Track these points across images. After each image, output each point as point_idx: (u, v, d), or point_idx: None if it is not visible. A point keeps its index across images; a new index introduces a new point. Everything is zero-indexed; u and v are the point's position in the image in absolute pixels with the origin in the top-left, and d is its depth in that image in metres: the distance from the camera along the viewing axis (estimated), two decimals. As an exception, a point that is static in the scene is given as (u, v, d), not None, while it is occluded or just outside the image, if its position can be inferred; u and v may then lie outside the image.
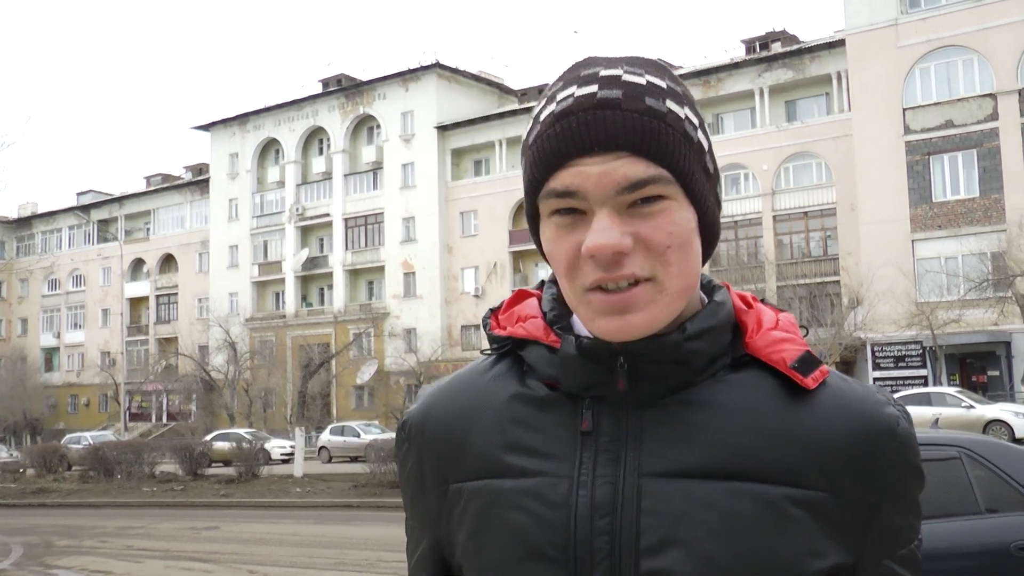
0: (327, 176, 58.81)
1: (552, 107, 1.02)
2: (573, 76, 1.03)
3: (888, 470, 1.04)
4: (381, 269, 55.82)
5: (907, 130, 38.05)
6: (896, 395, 27.66)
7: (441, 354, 47.51)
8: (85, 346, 69.64)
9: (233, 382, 49.09)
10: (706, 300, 1.10)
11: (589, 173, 0.98)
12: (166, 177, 71.48)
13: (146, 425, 60.62)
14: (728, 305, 1.09)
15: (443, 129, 53.74)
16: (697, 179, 1.03)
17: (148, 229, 68.91)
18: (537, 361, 1.09)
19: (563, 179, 1.00)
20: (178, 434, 43.37)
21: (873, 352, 37.92)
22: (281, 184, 60.62)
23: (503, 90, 57.76)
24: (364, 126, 57.90)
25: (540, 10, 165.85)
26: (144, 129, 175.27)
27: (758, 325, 1.09)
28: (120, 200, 70.77)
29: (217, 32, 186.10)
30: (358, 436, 37.29)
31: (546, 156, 1.01)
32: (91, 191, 75.10)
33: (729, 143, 45.08)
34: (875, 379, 37.63)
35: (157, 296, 67.19)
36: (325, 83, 59.67)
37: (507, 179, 50.76)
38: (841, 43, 41.24)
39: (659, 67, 1.05)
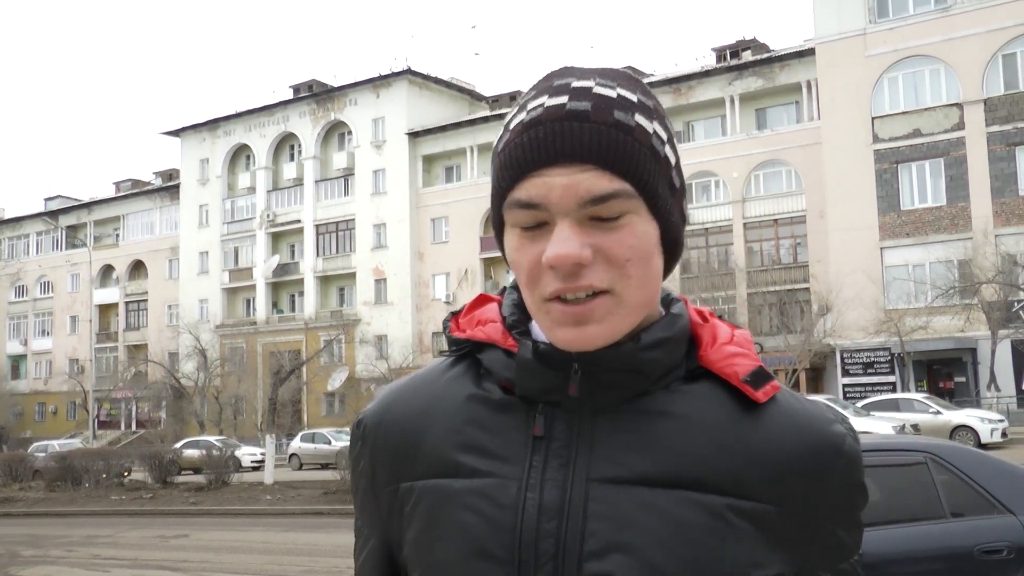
0: (298, 182, 58.59)
1: (522, 116, 1.03)
2: (546, 86, 1.04)
3: (835, 487, 1.06)
4: (352, 276, 55.67)
5: (875, 138, 38.45)
6: (864, 401, 27.99)
7: (412, 361, 47.42)
8: (53, 353, 68.91)
9: (203, 389, 48.76)
10: (664, 313, 1.10)
11: (553, 184, 0.99)
12: (136, 183, 70.95)
13: (115, 433, 60.09)
14: (684, 318, 1.10)
15: (414, 135, 53.72)
16: (661, 194, 1.04)
17: (117, 235, 68.34)
18: (494, 364, 1.10)
19: (527, 189, 1.01)
20: (147, 442, 42.99)
21: (842, 358, 38.24)
22: (252, 190, 60.34)
23: (474, 96, 57.82)
24: (335, 132, 57.77)
25: (511, 17, 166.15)
26: (113, 134, 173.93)
27: (713, 339, 1.10)
28: (89, 206, 70.15)
29: (188, 37, 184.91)
30: (329, 443, 37.15)
31: (513, 164, 1.02)
32: (59, 196, 74.37)
33: (699, 151, 45.33)
34: (844, 385, 37.98)
35: (126, 303, 66.64)
36: (296, 89, 59.48)
37: (478, 185, 50.78)
38: (811, 52, 41.62)
39: (632, 80, 1.06)
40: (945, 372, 37.59)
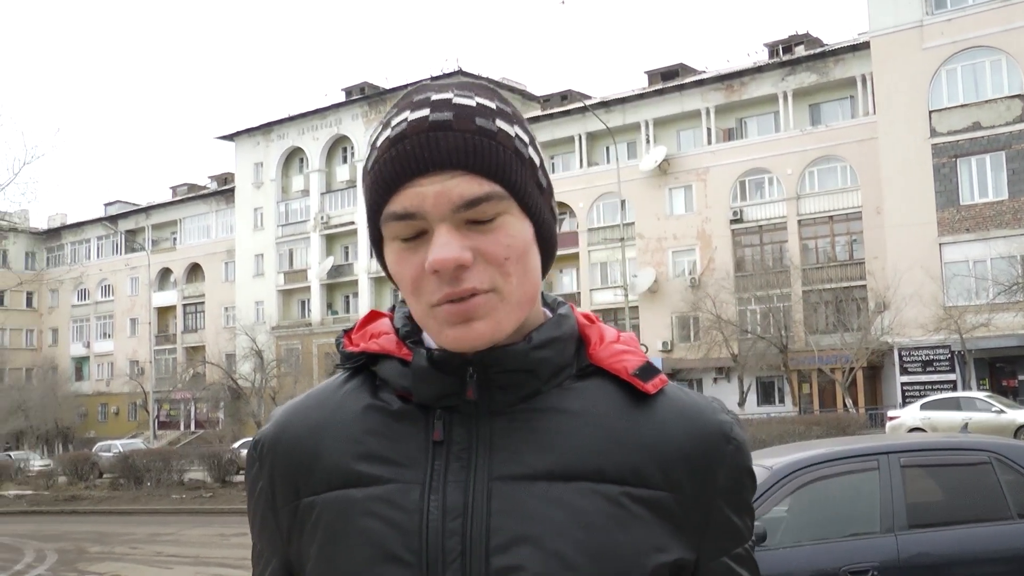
0: (351, 184, 59.03)
1: (387, 132, 1.06)
2: (407, 102, 1.08)
3: (725, 471, 1.11)
4: (406, 277, 55.93)
5: (933, 132, 37.76)
6: (924, 400, 27.54)
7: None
8: (114, 355, 70.18)
9: (260, 390, 49.32)
10: (550, 315, 1.14)
11: (426, 193, 1.02)
12: (192, 187, 72.01)
13: (175, 433, 61.00)
14: (571, 318, 1.14)
15: (467, 136, 53.77)
16: (531, 193, 1.07)
17: (175, 239, 69.45)
18: (390, 374, 1.12)
19: (402, 201, 1.04)
20: (206, 442, 43.63)
21: (900, 357, 37.62)
22: (306, 193, 60.93)
23: (525, 96, 57.81)
24: (388, 134, 58.06)
25: (562, 15, 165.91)
26: (169, 139, 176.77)
27: (601, 338, 1.14)
28: (147, 210, 71.38)
29: (241, 42, 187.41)
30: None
31: (384, 179, 1.05)
32: (118, 202, 75.71)
33: (753, 147, 44.94)
34: (903, 384, 37.38)
35: (184, 305, 67.66)
36: (348, 91, 59.92)
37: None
38: (865, 45, 41.01)
39: (488, 89, 1.10)
40: (1008, 370, 36.79)
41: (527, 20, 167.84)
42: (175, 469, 30.26)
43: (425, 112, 1.04)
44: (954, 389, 33.53)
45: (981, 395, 27.31)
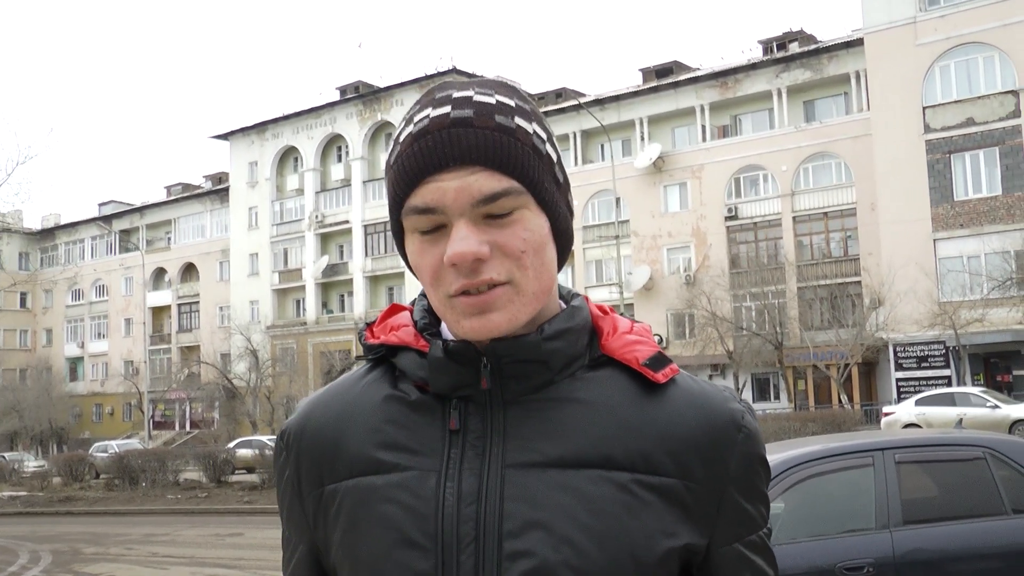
0: (346, 183, 59.01)
1: (410, 128, 1.09)
2: (429, 99, 1.11)
3: (736, 459, 1.13)
4: (401, 275, 55.93)
5: (927, 129, 37.83)
6: (919, 396, 27.58)
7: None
8: (109, 355, 70.11)
9: (255, 389, 49.30)
10: (564, 307, 1.17)
11: (447, 188, 1.06)
12: (186, 186, 71.93)
13: (170, 433, 60.96)
14: (585, 310, 1.17)
15: (461, 134, 53.78)
16: (548, 188, 1.11)
17: (169, 238, 69.36)
18: (408, 366, 1.16)
19: (423, 195, 1.07)
20: (201, 442, 43.60)
21: (895, 353, 37.69)
22: (300, 192, 60.88)
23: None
24: (382, 132, 58.09)
25: (556, 13, 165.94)
26: (163, 139, 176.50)
27: (614, 329, 1.17)
28: (141, 210, 71.29)
29: (235, 41, 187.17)
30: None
31: (406, 174, 1.08)
32: (112, 201, 75.62)
33: (747, 144, 44.99)
34: (897, 379, 37.46)
35: (179, 305, 67.59)
36: (343, 90, 59.88)
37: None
38: (859, 42, 41.07)
39: (508, 87, 1.13)
40: (1003, 366, 36.88)
41: (522, 18, 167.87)
42: (170, 469, 30.22)
43: (446, 109, 1.08)
44: (949, 385, 33.59)
45: (976, 391, 27.35)
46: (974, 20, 37.19)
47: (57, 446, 59.26)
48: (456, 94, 1.09)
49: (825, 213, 43.04)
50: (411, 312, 1.22)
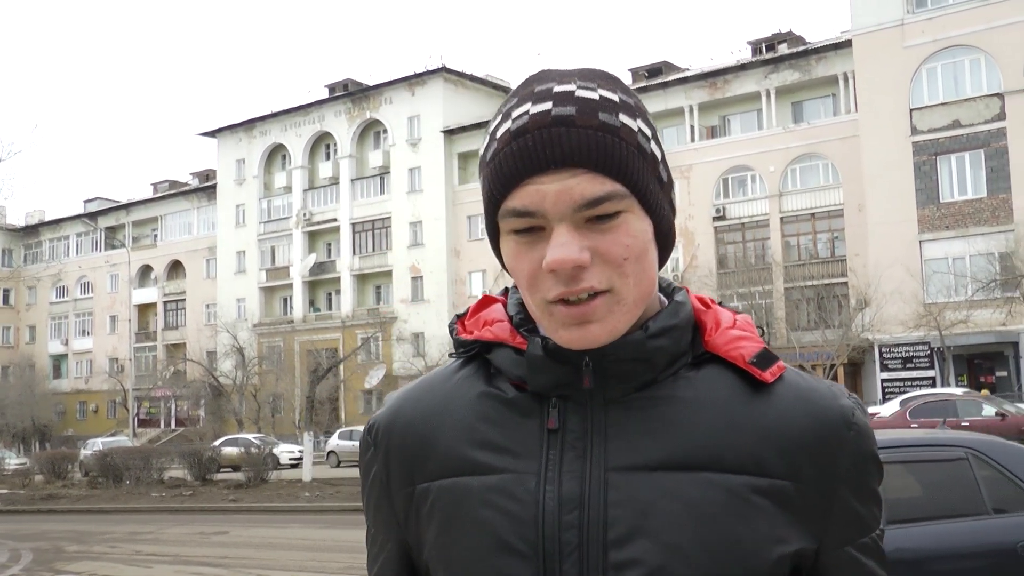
0: (334, 181, 58.89)
1: (508, 124, 1.04)
2: (527, 92, 1.06)
3: (847, 458, 1.08)
4: (389, 274, 55.89)
5: (914, 130, 37.98)
6: (904, 396, 27.70)
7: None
8: (93, 353, 69.82)
9: (241, 387, 49.15)
10: (666, 302, 1.13)
11: (546, 191, 1.01)
12: (173, 183, 71.66)
13: (155, 431, 60.77)
14: (688, 306, 1.12)
15: (450, 133, 53.80)
16: (652, 190, 1.05)
17: (155, 235, 69.08)
18: (504, 363, 1.11)
19: (521, 198, 1.02)
20: (187, 440, 43.45)
21: (881, 353, 37.84)
22: (288, 189, 60.73)
23: (509, 93, 57.76)
24: (371, 131, 57.99)
25: (546, 12, 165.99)
26: (151, 136, 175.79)
27: (716, 324, 1.13)
28: (127, 207, 70.98)
29: (224, 38, 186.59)
30: (366, 440, 37.31)
31: (504, 174, 1.03)
32: (98, 198, 75.26)
33: (736, 145, 45.08)
34: (883, 380, 37.61)
35: (165, 302, 67.35)
36: (332, 88, 59.74)
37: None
38: (847, 44, 41.20)
39: (612, 79, 1.08)
40: (986, 367, 37.07)
41: (511, 17, 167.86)
42: (155, 467, 30.10)
43: (547, 105, 1.02)
44: (933, 385, 33.77)
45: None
46: (961, 23, 37.36)
47: (40, 443, 58.93)
48: (557, 88, 1.04)
49: (812, 214, 43.17)
50: (504, 305, 1.17)
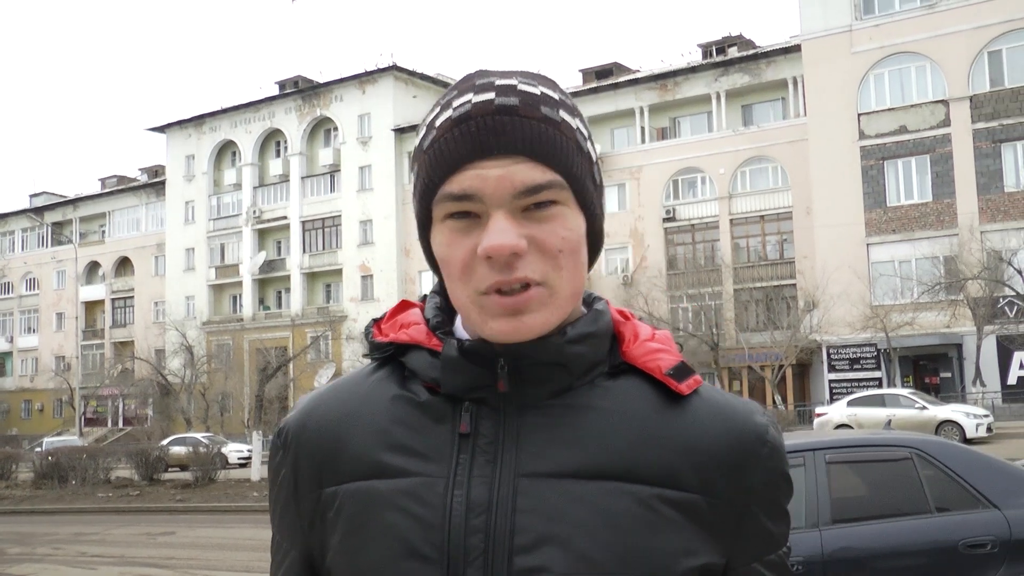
0: (284, 179, 58.45)
1: (449, 113, 1.04)
2: (468, 84, 1.06)
3: (760, 475, 1.08)
4: (339, 272, 55.57)
5: (862, 135, 38.57)
6: (851, 397, 28.11)
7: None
8: (39, 350, 68.60)
9: (190, 386, 48.63)
10: (585, 310, 1.12)
11: (488, 176, 1.01)
12: (121, 179, 70.62)
13: (102, 430, 59.85)
14: (607, 315, 1.13)
15: (400, 131, 53.63)
16: (587, 187, 1.07)
17: (103, 232, 68.05)
18: (419, 365, 1.10)
19: (461, 182, 1.02)
20: (134, 439, 42.87)
21: (828, 354, 38.38)
22: (238, 186, 60.15)
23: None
24: (321, 128, 57.64)
25: (496, 11, 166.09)
26: (99, 130, 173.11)
27: (635, 336, 1.12)
28: (74, 202, 69.83)
29: (173, 33, 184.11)
30: (316, 440, 37.07)
31: (445, 159, 1.03)
32: (44, 193, 73.99)
33: (686, 147, 45.42)
34: (830, 381, 38.13)
35: (113, 299, 66.37)
36: (282, 85, 59.28)
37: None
38: (797, 48, 41.72)
39: (550, 81, 1.09)
40: (931, 368, 37.76)
41: (461, 17, 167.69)
42: (101, 467, 29.64)
43: (491, 96, 1.03)
44: (879, 386, 34.30)
45: (905, 392, 27.95)
46: (907, 30, 38.01)
47: (-17, 443, 57.74)
48: (499, 81, 1.04)
49: (762, 216, 43.64)
50: (422, 310, 1.15)
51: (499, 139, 1.01)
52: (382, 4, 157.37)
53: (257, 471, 28.50)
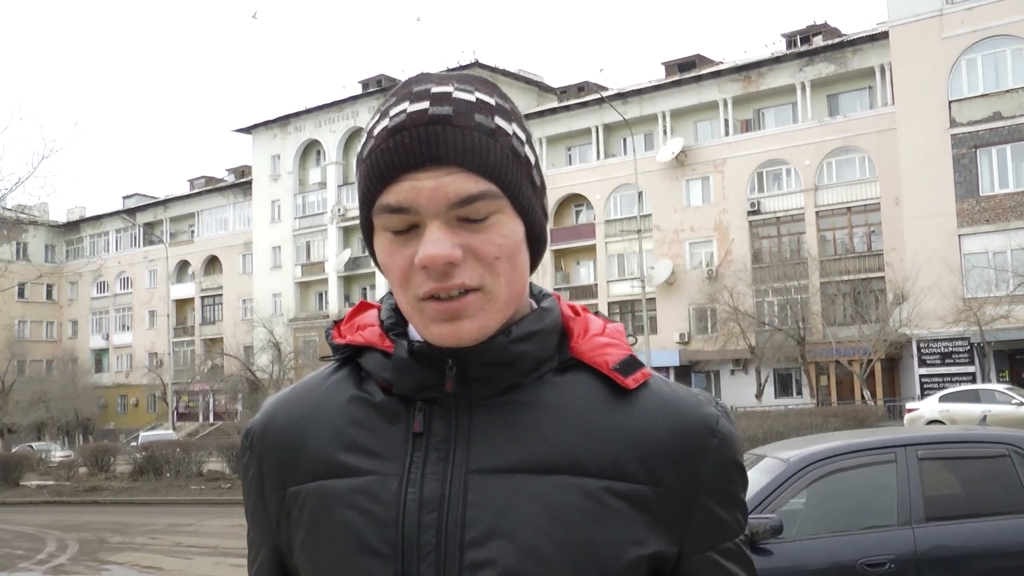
0: (368, 176, 59.11)
1: (385, 122, 1.05)
2: (406, 92, 1.07)
3: (709, 465, 1.10)
4: (423, 269, 56.02)
5: (953, 123, 37.52)
6: (943, 392, 27.42)
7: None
8: (133, 347, 70.61)
9: (278, 381, 49.50)
10: (535, 307, 1.14)
11: (421, 188, 1.02)
12: (209, 180, 72.28)
13: (193, 424, 61.33)
14: (555, 311, 1.14)
15: (482, 127, 53.74)
16: (524, 192, 1.08)
17: (192, 231, 69.76)
18: (373, 366, 1.13)
19: (396, 194, 1.03)
20: (225, 433, 43.84)
21: (919, 349, 37.45)
22: (323, 185, 61.08)
23: (542, 88, 57.75)
24: (405, 126, 58.13)
25: (579, 6, 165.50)
26: (187, 132, 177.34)
27: (584, 331, 1.14)
28: (165, 203, 71.71)
29: (258, 35, 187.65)
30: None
31: (379, 170, 1.04)
32: (136, 194, 76.10)
33: (770, 139, 44.77)
34: (921, 376, 37.21)
35: (202, 297, 67.98)
36: (365, 84, 60.00)
37: (547, 177, 50.50)
38: (884, 35, 40.77)
39: (488, 84, 1.10)
40: (1029, 362, 36.59)
41: (545, 12, 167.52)
42: (194, 460, 30.42)
43: (425, 105, 1.04)
44: (973, 381, 33.37)
45: (1000, 387, 27.18)
46: (1001, 12, 36.82)
47: (83, 436, 59.76)
48: (435, 89, 1.05)
49: (848, 208, 42.80)
50: (379, 311, 1.18)
51: (431, 150, 1.02)
52: (464, 2, 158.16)
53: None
